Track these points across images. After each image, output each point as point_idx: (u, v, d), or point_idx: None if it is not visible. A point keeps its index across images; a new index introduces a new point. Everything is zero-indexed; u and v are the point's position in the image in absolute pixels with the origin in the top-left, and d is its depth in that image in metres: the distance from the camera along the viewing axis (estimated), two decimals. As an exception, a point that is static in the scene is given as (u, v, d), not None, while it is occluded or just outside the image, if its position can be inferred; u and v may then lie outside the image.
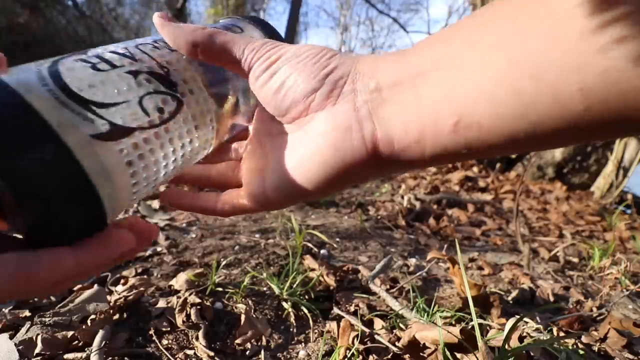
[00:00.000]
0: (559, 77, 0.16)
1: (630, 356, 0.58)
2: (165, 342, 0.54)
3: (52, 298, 0.64)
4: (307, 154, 0.23)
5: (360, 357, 0.53)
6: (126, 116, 0.20)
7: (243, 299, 0.66)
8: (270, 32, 0.32)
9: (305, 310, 0.63)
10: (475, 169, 2.66)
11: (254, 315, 0.62)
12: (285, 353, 0.55)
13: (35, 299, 0.63)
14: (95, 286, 0.62)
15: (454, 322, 0.60)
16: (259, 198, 0.27)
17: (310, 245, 0.94)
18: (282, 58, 0.24)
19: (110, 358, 0.48)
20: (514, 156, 2.68)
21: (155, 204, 1.32)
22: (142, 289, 0.65)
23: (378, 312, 0.64)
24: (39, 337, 0.49)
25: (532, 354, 0.52)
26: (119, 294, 0.63)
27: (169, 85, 0.23)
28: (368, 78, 0.22)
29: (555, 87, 0.17)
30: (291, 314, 0.64)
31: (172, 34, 0.25)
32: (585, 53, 0.16)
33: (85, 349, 0.49)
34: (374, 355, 0.53)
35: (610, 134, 0.19)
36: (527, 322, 0.58)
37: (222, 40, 0.24)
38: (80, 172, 0.17)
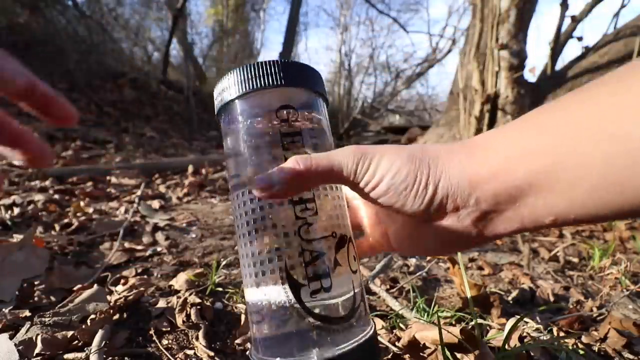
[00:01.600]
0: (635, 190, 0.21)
1: (630, 356, 0.58)
2: (165, 342, 0.53)
3: (52, 298, 0.64)
4: (422, 243, 0.32)
5: (360, 357, 0.52)
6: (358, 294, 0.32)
7: (243, 299, 0.66)
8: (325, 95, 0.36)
9: (305, 310, 0.63)
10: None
11: (254, 315, 0.62)
12: (285, 353, 0.55)
13: (35, 299, 0.63)
14: (95, 286, 0.62)
15: (454, 322, 0.60)
16: (385, 247, 0.38)
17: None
18: (380, 186, 0.28)
19: (110, 358, 0.48)
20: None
21: (156, 203, 1.32)
22: (142, 289, 0.65)
23: (378, 312, 0.64)
24: (39, 337, 0.49)
25: (532, 354, 0.52)
26: (119, 294, 0.63)
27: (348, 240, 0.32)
28: (466, 193, 0.27)
29: (634, 195, 0.21)
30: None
31: (283, 190, 0.28)
32: None
33: (85, 349, 0.49)
34: (374, 355, 0.53)
35: None
36: (527, 322, 0.58)
37: (320, 170, 0.28)
38: (373, 340, 0.31)
